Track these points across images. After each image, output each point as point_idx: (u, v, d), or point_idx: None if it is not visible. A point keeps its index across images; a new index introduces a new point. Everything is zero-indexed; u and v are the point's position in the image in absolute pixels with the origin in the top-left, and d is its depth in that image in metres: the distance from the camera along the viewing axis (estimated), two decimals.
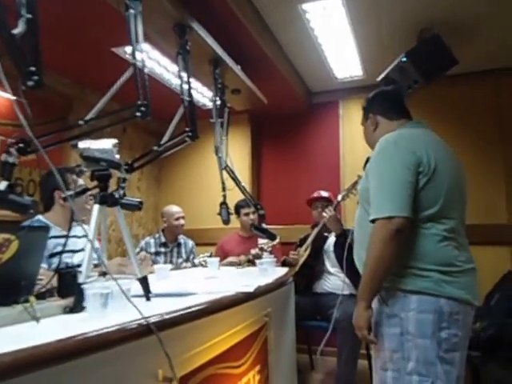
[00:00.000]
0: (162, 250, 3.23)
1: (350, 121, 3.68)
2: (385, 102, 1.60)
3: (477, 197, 3.12)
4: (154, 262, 3.04)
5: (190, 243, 3.34)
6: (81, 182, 2.03)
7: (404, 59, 2.63)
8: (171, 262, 3.17)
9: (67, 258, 1.96)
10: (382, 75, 2.87)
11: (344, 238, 2.49)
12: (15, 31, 1.09)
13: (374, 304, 1.36)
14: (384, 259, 1.26)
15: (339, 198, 2.80)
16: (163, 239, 3.25)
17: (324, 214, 2.60)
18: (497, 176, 3.24)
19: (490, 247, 3.08)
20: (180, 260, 3.23)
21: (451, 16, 2.50)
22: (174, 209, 3.29)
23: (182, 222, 3.24)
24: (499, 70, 3.27)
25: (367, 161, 1.90)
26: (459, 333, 1.24)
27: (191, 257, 3.25)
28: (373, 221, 1.30)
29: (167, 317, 1.04)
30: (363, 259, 1.35)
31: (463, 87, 3.36)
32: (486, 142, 3.29)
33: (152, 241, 3.26)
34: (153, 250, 3.20)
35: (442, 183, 1.31)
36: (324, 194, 3.05)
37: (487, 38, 2.79)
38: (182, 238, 3.32)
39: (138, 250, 3.20)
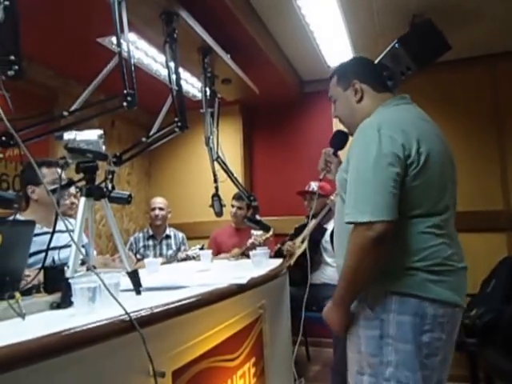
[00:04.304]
0: (150, 242, 3.25)
1: None
2: (368, 68, 1.37)
3: (472, 183, 3.11)
4: (144, 256, 3.05)
5: (181, 235, 3.37)
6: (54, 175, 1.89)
7: (396, 46, 2.60)
8: (161, 255, 3.17)
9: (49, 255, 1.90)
10: (375, 62, 2.83)
11: None
12: None
13: None
14: (362, 270, 1.12)
15: None
16: (151, 232, 3.28)
17: (331, 198, 2.56)
18: (492, 162, 3.21)
19: (486, 234, 3.07)
20: (170, 252, 3.23)
21: (443, 0, 2.47)
22: (153, 199, 3.34)
23: (157, 212, 3.23)
24: (495, 55, 3.23)
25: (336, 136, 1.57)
26: (443, 336, 1.14)
27: (182, 248, 3.24)
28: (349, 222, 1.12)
29: (157, 310, 1.01)
30: (341, 262, 1.19)
31: (458, 73, 3.32)
32: (480, 129, 3.26)
33: (140, 235, 3.29)
34: (141, 244, 3.23)
35: (433, 175, 1.15)
36: (314, 185, 3.02)
37: (481, 23, 2.74)
38: (171, 231, 3.33)
39: (127, 247, 3.19)
